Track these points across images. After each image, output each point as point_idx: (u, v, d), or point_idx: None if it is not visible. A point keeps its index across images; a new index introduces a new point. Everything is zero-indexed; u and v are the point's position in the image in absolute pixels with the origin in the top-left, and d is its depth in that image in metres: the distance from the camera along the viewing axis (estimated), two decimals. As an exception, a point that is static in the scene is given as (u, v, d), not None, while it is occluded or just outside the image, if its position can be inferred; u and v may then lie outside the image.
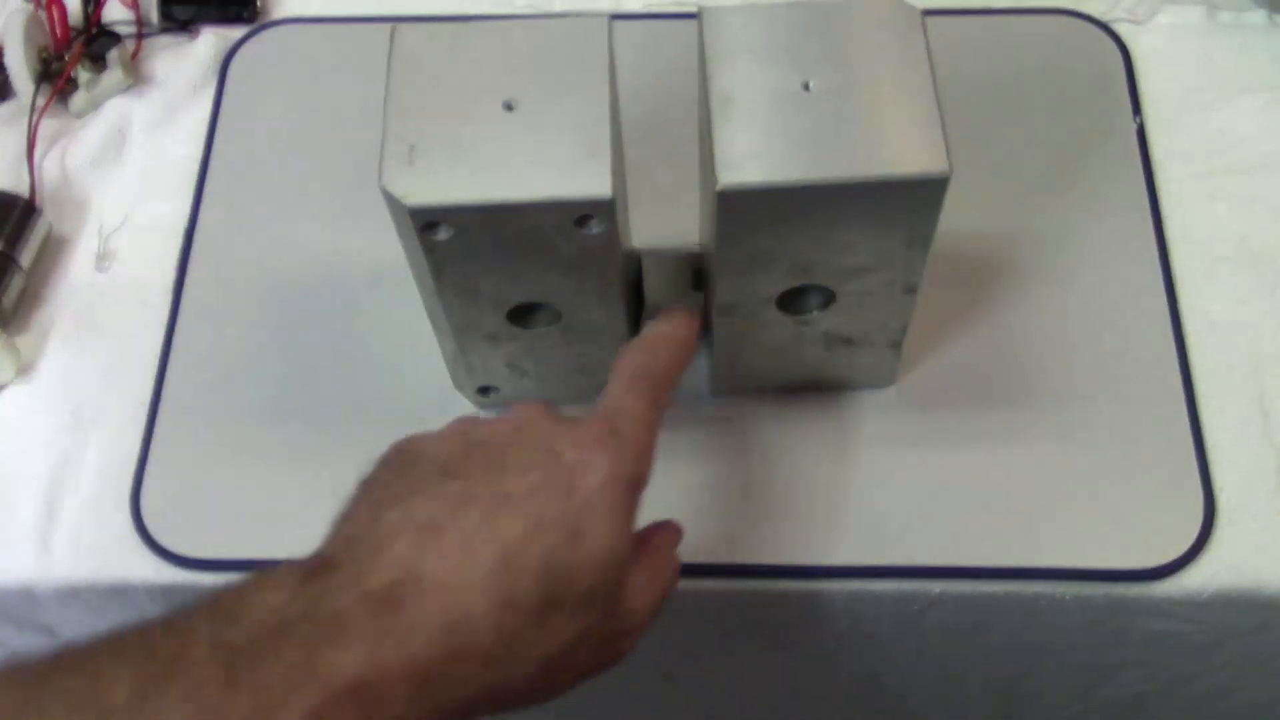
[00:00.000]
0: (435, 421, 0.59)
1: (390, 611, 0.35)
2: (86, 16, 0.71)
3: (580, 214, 0.46)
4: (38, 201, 0.66)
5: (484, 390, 0.58)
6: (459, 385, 0.59)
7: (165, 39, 0.72)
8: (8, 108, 0.70)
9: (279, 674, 0.33)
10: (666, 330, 0.48)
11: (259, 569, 0.37)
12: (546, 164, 0.45)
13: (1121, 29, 0.69)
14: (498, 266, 0.49)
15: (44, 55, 0.68)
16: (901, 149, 0.45)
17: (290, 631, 0.34)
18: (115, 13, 0.72)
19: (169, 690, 0.33)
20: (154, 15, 0.73)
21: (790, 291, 0.51)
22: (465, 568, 0.36)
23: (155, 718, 0.32)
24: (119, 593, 0.57)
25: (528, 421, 0.42)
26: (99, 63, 0.69)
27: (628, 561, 0.40)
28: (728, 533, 0.56)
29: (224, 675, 0.33)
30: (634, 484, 0.41)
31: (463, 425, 0.43)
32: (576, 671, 0.41)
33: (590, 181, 0.45)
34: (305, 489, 0.58)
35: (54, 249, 0.66)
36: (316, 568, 0.37)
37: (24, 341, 0.62)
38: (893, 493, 0.57)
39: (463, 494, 0.38)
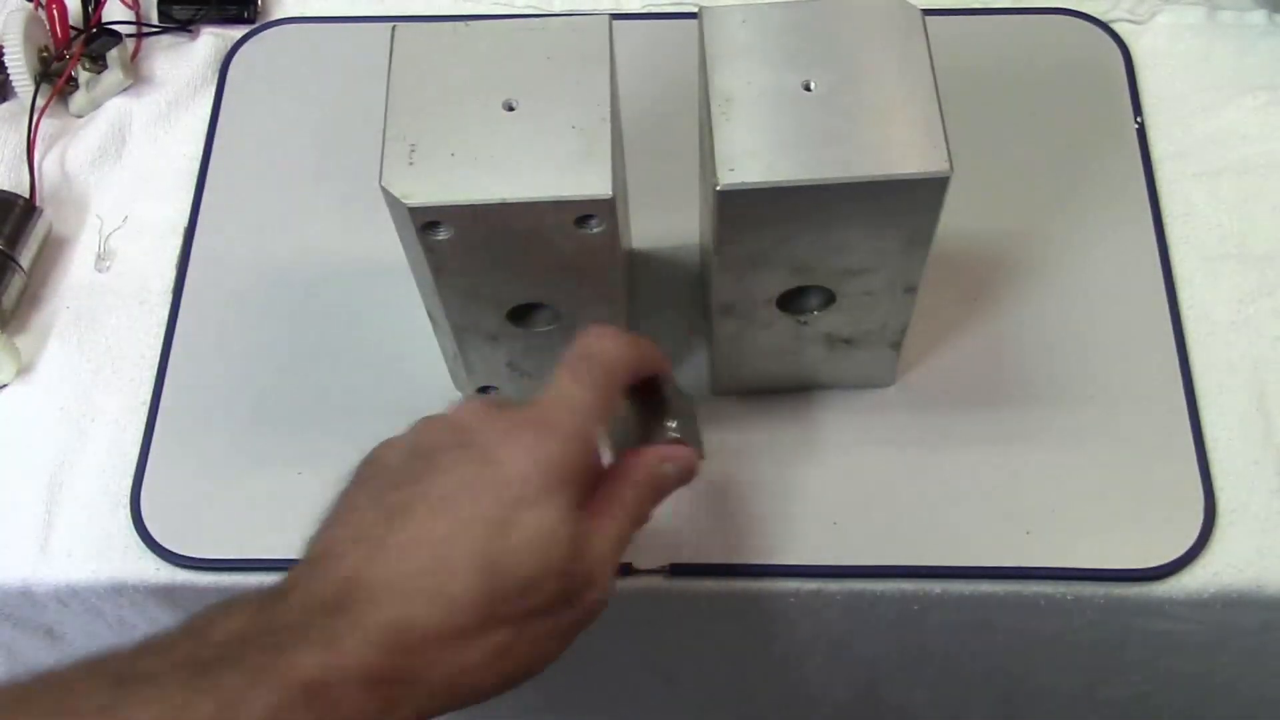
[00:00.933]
0: (435, 421, 0.59)
1: (340, 615, 0.37)
2: (86, 16, 0.71)
3: (580, 214, 0.46)
4: (38, 201, 0.66)
5: (484, 390, 0.58)
6: (459, 385, 0.59)
7: (165, 39, 0.72)
8: (8, 108, 0.70)
9: (240, 677, 0.35)
10: (605, 329, 0.47)
11: (228, 597, 0.39)
12: (546, 164, 0.45)
13: (1121, 29, 0.69)
14: (498, 266, 0.49)
15: (44, 55, 0.68)
16: (901, 149, 0.45)
17: (251, 642, 0.36)
18: (115, 12, 0.72)
19: (138, 696, 0.35)
20: (154, 15, 0.73)
21: (790, 291, 0.51)
22: (402, 574, 0.38)
23: (141, 709, 0.34)
24: (118, 592, 0.57)
25: (464, 419, 0.42)
26: (99, 63, 0.69)
27: (574, 537, 0.40)
28: (727, 533, 0.56)
29: (189, 681, 0.35)
30: (567, 466, 0.41)
31: (419, 429, 0.43)
32: (546, 647, 0.42)
33: (590, 181, 0.45)
34: (304, 489, 0.58)
35: (54, 249, 0.66)
36: (277, 590, 0.39)
37: (24, 341, 0.62)
38: (893, 493, 0.57)
39: (399, 504, 0.40)
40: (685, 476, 0.46)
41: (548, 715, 0.74)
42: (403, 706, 0.38)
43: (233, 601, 0.39)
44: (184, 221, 0.66)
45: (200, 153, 0.68)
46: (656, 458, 0.45)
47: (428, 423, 0.43)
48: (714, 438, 0.58)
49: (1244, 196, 0.64)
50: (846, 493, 0.57)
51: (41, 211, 0.65)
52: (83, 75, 0.69)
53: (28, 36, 0.67)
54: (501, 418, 0.42)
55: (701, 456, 0.47)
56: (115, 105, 0.70)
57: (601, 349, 0.44)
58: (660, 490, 0.45)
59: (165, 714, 0.34)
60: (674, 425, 0.47)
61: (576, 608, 0.41)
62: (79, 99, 0.70)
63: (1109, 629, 0.58)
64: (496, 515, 0.39)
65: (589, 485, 0.42)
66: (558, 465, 0.40)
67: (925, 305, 0.55)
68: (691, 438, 0.47)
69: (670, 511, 0.57)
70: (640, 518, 0.44)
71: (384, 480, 0.41)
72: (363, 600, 0.38)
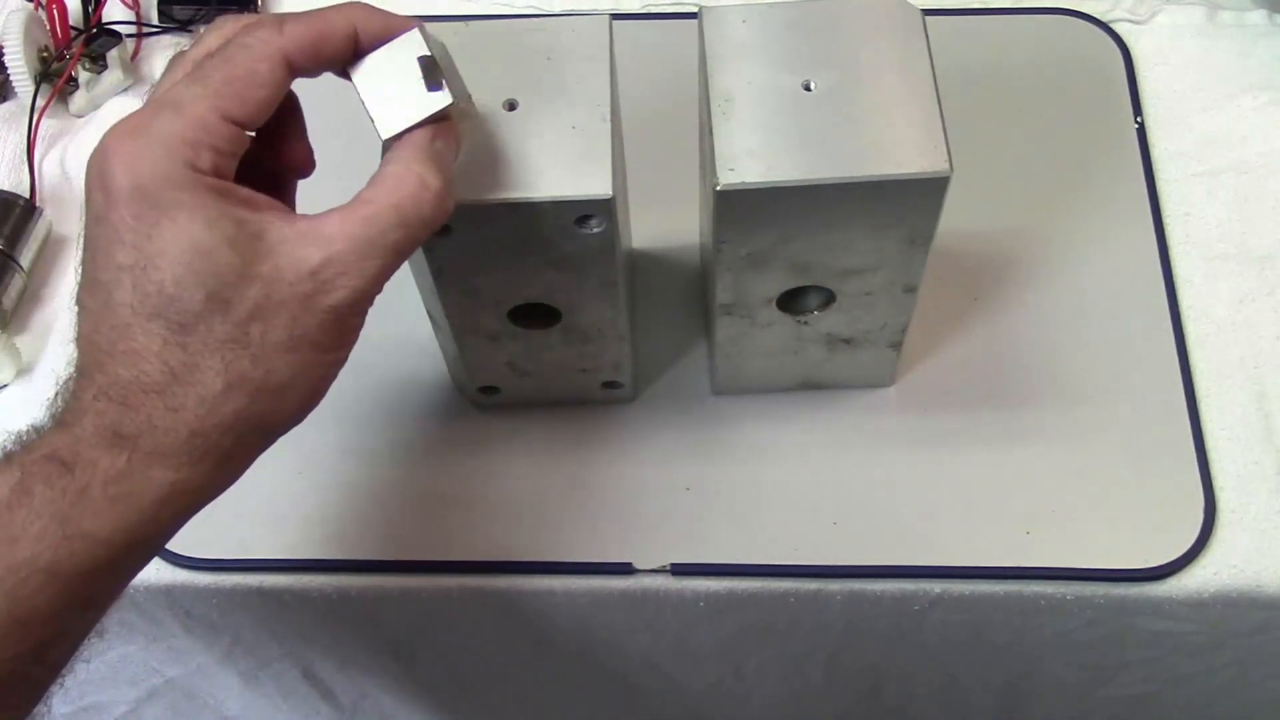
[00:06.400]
0: (435, 421, 0.59)
1: (65, 406, 0.38)
2: (86, 16, 0.71)
3: (580, 214, 0.46)
4: (38, 201, 0.66)
5: (484, 390, 0.58)
6: (459, 385, 0.59)
7: (165, 39, 0.72)
8: (8, 108, 0.70)
9: None
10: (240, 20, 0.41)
11: None
12: (546, 164, 0.45)
13: (1121, 29, 0.69)
14: (498, 266, 0.49)
15: (44, 55, 0.68)
16: (901, 149, 0.45)
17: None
18: (115, 12, 0.71)
19: None
20: (154, 15, 0.73)
21: (790, 291, 0.51)
22: (94, 353, 0.38)
23: None
24: (119, 593, 0.57)
25: (90, 163, 0.39)
26: (99, 62, 0.69)
27: (233, 240, 0.37)
28: (727, 533, 0.56)
29: None
30: (170, 173, 0.37)
31: None
32: (299, 358, 0.39)
33: (590, 181, 0.45)
34: (305, 489, 0.58)
35: (54, 249, 0.65)
36: None
37: (24, 341, 0.62)
38: (892, 493, 0.57)
39: (77, 298, 0.39)
40: (453, 154, 0.42)
41: (548, 714, 0.74)
42: (169, 455, 0.37)
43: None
44: (184, 221, 0.66)
45: (200, 153, 0.68)
46: (421, 141, 0.41)
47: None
48: (714, 438, 0.59)
49: (1244, 196, 0.64)
50: (846, 493, 0.57)
51: (41, 211, 0.65)
52: (83, 75, 0.69)
53: (28, 36, 0.67)
54: (101, 150, 0.38)
55: (469, 105, 0.43)
56: (115, 105, 0.70)
57: (224, 37, 0.40)
58: (438, 172, 0.40)
59: None
60: (426, 90, 0.41)
61: (313, 305, 0.38)
62: (79, 99, 0.70)
63: (1109, 629, 0.58)
64: (129, 261, 0.37)
65: (229, 171, 0.38)
66: (161, 178, 0.37)
67: (925, 305, 0.55)
68: (453, 84, 0.41)
69: (670, 512, 0.57)
70: (401, 219, 0.40)
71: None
72: (77, 385, 0.38)
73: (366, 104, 0.42)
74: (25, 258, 0.63)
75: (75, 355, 0.39)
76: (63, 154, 0.68)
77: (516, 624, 0.61)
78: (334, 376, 0.41)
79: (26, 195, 0.66)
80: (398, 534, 0.57)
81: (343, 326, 0.40)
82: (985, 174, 0.62)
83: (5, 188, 0.66)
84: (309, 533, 0.57)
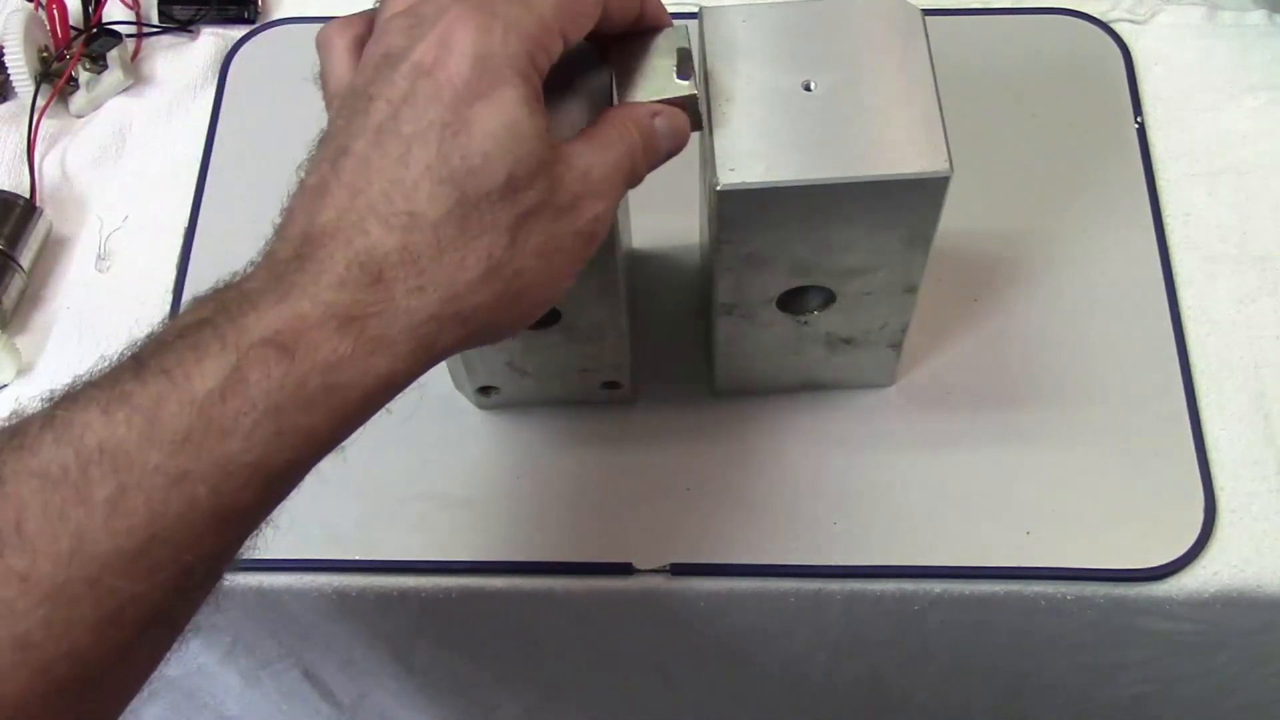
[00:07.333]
0: (435, 421, 0.59)
1: (295, 270, 0.36)
2: (87, 16, 0.71)
3: (580, 214, 0.46)
4: (38, 201, 0.66)
5: (484, 390, 0.58)
6: (459, 385, 0.59)
7: (165, 39, 0.73)
8: (8, 108, 0.70)
9: (187, 354, 0.34)
10: None
11: None
12: (546, 164, 0.45)
13: (1121, 29, 0.69)
14: (498, 266, 0.49)
15: (44, 55, 0.68)
16: (901, 149, 0.45)
17: (203, 325, 0.35)
18: (115, 12, 0.72)
19: (82, 395, 0.34)
20: (154, 15, 0.73)
21: (790, 291, 0.51)
22: (354, 209, 0.36)
23: (69, 414, 0.34)
24: (119, 593, 0.57)
25: (387, 29, 0.39)
26: (99, 63, 0.69)
27: (540, 131, 0.38)
28: (728, 533, 0.56)
29: (133, 369, 0.34)
30: (513, 55, 0.37)
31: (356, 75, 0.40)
32: (552, 262, 0.39)
33: (590, 181, 0.45)
34: (304, 489, 0.58)
35: (54, 249, 0.66)
36: (242, 272, 0.38)
37: (24, 341, 0.62)
38: (893, 493, 0.57)
39: (338, 148, 0.38)
40: (676, 140, 0.43)
41: (548, 714, 0.74)
42: (394, 342, 0.36)
43: (200, 295, 0.37)
44: (184, 221, 0.66)
45: (200, 153, 0.68)
46: (646, 110, 0.43)
47: (368, 49, 0.40)
48: (714, 438, 0.59)
49: (1244, 196, 0.64)
50: (846, 493, 0.57)
51: (41, 211, 0.65)
52: (83, 75, 0.69)
53: (28, 36, 0.67)
54: (435, 17, 0.38)
55: (700, 127, 0.45)
56: (115, 105, 0.70)
57: None
58: (651, 143, 0.43)
59: (110, 403, 0.33)
60: (675, 76, 0.44)
61: (575, 216, 0.39)
62: (79, 99, 0.70)
63: (1109, 629, 0.58)
64: (447, 120, 0.36)
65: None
66: (502, 56, 0.37)
67: (925, 305, 0.55)
68: (691, 105, 0.44)
69: (670, 511, 0.57)
70: (632, 162, 0.42)
71: (328, 134, 0.39)
72: (318, 247, 0.36)
73: (616, 73, 0.44)
74: (25, 258, 0.63)
75: (314, 211, 0.37)
76: (63, 154, 0.69)
77: (516, 624, 0.61)
78: (554, 301, 0.40)
79: (26, 195, 0.66)
80: (397, 534, 0.57)
81: (588, 244, 0.40)
82: (985, 174, 0.62)
83: (5, 188, 0.66)
84: (309, 533, 0.57)
